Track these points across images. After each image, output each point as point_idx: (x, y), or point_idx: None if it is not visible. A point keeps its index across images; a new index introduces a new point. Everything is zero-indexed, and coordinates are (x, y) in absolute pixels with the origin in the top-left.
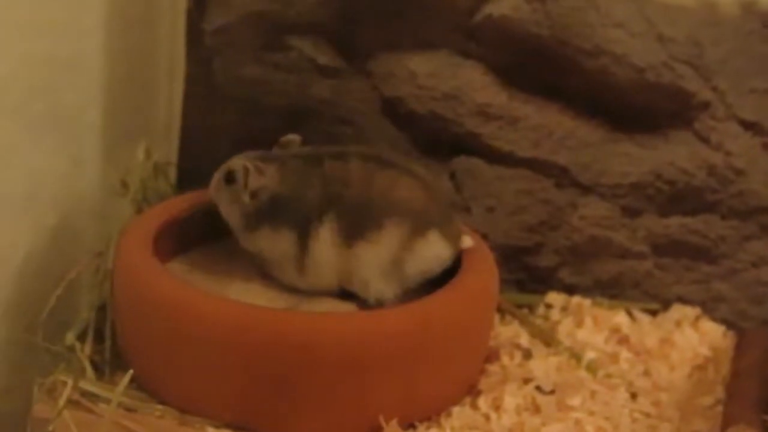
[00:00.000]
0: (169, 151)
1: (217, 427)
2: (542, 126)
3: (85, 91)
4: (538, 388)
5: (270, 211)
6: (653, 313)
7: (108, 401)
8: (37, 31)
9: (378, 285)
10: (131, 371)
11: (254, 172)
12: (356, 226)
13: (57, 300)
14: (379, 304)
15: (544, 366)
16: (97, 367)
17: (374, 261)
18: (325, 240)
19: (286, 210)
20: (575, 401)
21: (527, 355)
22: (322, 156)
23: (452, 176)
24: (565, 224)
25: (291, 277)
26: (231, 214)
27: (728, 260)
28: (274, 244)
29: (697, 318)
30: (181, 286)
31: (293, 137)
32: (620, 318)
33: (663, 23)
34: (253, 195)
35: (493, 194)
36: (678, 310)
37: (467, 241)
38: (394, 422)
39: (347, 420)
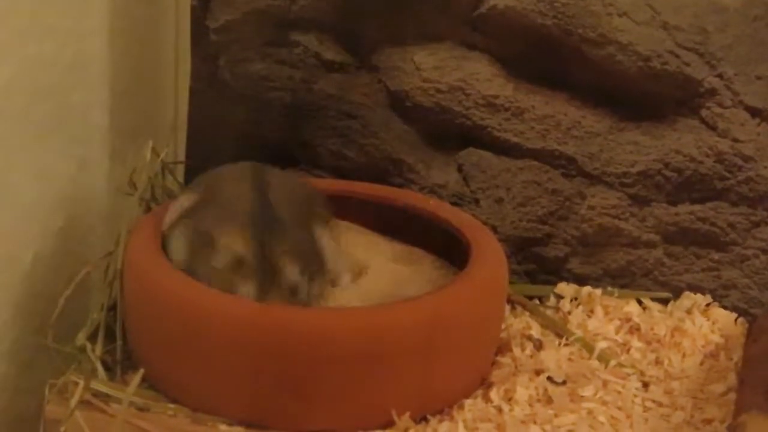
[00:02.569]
0: (176, 149)
1: (229, 424)
2: (549, 116)
3: (91, 92)
4: (549, 379)
5: None
6: (664, 301)
7: (120, 401)
8: (41, 33)
9: None
10: (142, 371)
11: None
12: None
13: (67, 301)
14: None
15: (555, 357)
16: (108, 367)
17: None
18: None
19: None
20: (587, 391)
21: (538, 346)
22: None
23: (460, 169)
24: (573, 214)
25: None
26: None
27: (738, 247)
28: None
29: (708, 305)
30: (190, 284)
31: None
32: (631, 307)
33: (668, 11)
34: None
35: (501, 186)
36: (689, 298)
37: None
38: (406, 416)
39: (360, 415)
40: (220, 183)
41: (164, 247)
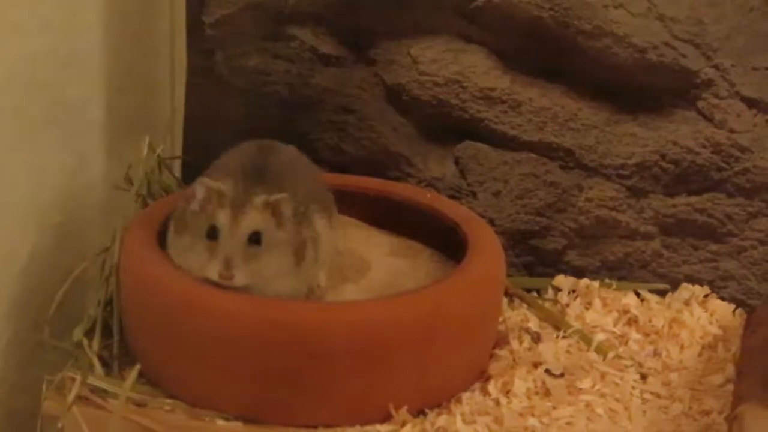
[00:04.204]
0: (173, 144)
1: (227, 419)
2: (546, 109)
3: (87, 88)
4: (547, 371)
5: None
6: (662, 293)
7: (117, 396)
8: (36, 29)
9: None
10: (139, 366)
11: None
12: None
13: (64, 296)
14: None
15: (553, 349)
16: (105, 363)
17: None
18: None
19: None
20: (585, 384)
21: (536, 338)
22: None
23: (457, 162)
24: (571, 206)
25: None
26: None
27: (735, 238)
28: None
29: (706, 297)
30: (187, 279)
31: None
32: (629, 299)
33: (664, 3)
34: None
35: (499, 178)
36: (686, 290)
37: None
38: (404, 410)
39: (358, 409)
40: (227, 158)
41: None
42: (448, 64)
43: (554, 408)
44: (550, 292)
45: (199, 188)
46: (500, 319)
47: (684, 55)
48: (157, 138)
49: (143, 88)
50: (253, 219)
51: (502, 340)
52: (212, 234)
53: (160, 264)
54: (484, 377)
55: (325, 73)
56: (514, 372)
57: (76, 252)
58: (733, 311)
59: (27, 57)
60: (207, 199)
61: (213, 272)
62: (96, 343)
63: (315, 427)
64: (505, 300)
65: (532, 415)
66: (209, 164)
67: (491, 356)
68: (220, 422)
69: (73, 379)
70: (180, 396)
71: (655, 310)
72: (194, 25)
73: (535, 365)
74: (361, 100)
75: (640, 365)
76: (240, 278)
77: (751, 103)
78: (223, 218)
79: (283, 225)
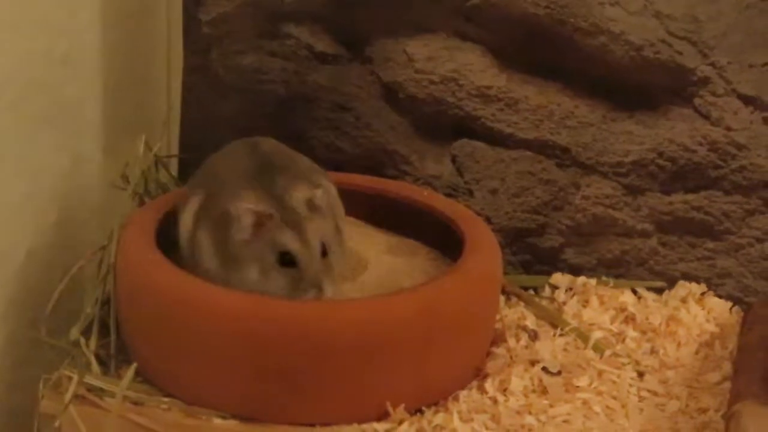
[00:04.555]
0: (169, 142)
1: (223, 418)
2: (542, 107)
3: (83, 86)
4: (544, 369)
5: None
6: (659, 291)
7: (114, 395)
8: (32, 28)
9: None
10: (135, 365)
11: None
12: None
13: (60, 295)
14: None
15: (550, 347)
16: (102, 362)
17: None
18: None
19: None
20: (582, 382)
21: (533, 336)
22: None
23: (454, 160)
24: (568, 204)
25: None
26: None
27: (732, 236)
28: None
29: (703, 295)
30: (183, 277)
31: None
32: (626, 297)
33: (660, 0)
34: None
35: (495, 176)
36: (683, 288)
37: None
38: (401, 408)
39: (355, 407)
40: (216, 167)
41: (187, 258)
42: (444, 62)
43: (551, 406)
44: (547, 290)
45: (246, 216)
46: (497, 317)
47: (680, 53)
48: (153, 136)
49: (140, 86)
50: (317, 230)
51: (499, 338)
52: (287, 260)
53: (156, 263)
54: (481, 375)
55: (321, 71)
56: (511, 370)
57: (72, 250)
58: (730, 309)
59: (23, 56)
60: (258, 223)
61: (307, 298)
62: (93, 342)
63: (312, 425)
64: (502, 298)
65: (529, 412)
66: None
67: (488, 354)
68: (217, 420)
69: (70, 378)
70: (177, 394)
71: (652, 307)
72: (190, 24)
73: (532, 363)
74: (357, 98)
75: (637, 363)
76: (329, 291)
77: (747, 100)
78: (291, 242)
79: (326, 217)
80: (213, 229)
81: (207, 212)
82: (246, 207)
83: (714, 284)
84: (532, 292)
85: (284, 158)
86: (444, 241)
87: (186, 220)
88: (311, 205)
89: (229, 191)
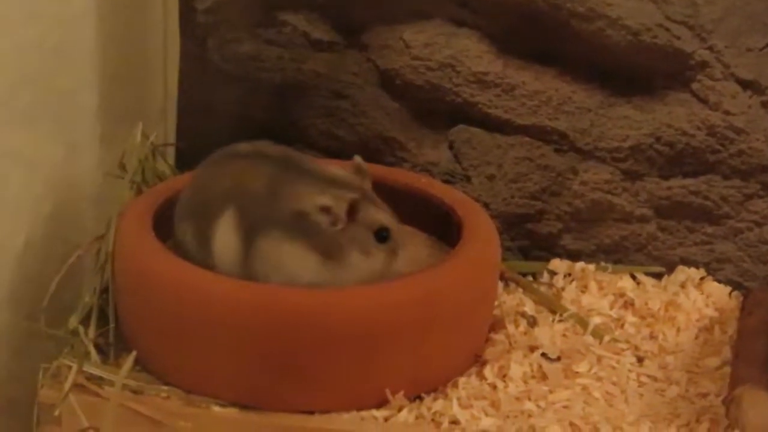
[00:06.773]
0: (166, 131)
1: (223, 406)
2: (539, 92)
3: (79, 76)
4: (544, 355)
5: None
6: (658, 276)
7: (113, 384)
8: (27, 17)
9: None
10: (134, 353)
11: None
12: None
13: (59, 285)
14: None
15: (549, 333)
16: (101, 351)
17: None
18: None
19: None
20: (582, 367)
21: (532, 322)
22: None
23: (451, 146)
24: (566, 190)
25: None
26: None
27: (731, 220)
28: None
29: (702, 279)
30: (182, 265)
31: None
32: (625, 282)
33: None
34: None
35: (493, 162)
36: (682, 272)
37: None
38: (400, 394)
39: (354, 394)
40: (224, 183)
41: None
42: (440, 48)
43: (551, 392)
44: (546, 276)
45: (339, 204)
46: (496, 304)
47: (678, 37)
48: (150, 125)
49: (136, 75)
50: (384, 203)
51: (498, 325)
52: (383, 235)
53: (155, 251)
54: (480, 362)
55: (318, 58)
56: (511, 356)
57: (70, 240)
58: (730, 293)
59: (17, 47)
60: (351, 210)
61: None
62: (92, 331)
63: (311, 412)
64: (500, 284)
65: (529, 399)
66: (202, 152)
67: (487, 340)
68: (216, 408)
69: (69, 367)
70: (176, 383)
71: (651, 293)
72: (186, 12)
73: (532, 349)
74: (354, 85)
75: (637, 348)
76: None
77: (745, 84)
78: (384, 217)
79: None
80: (291, 236)
81: (260, 223)
82: (334, 197)
83: (713, 269)
84: (530, 278)
85: (286, 154)
86: (442, 227)
87: (226, 239)
88: (363, 173)
89: (288, 191)
